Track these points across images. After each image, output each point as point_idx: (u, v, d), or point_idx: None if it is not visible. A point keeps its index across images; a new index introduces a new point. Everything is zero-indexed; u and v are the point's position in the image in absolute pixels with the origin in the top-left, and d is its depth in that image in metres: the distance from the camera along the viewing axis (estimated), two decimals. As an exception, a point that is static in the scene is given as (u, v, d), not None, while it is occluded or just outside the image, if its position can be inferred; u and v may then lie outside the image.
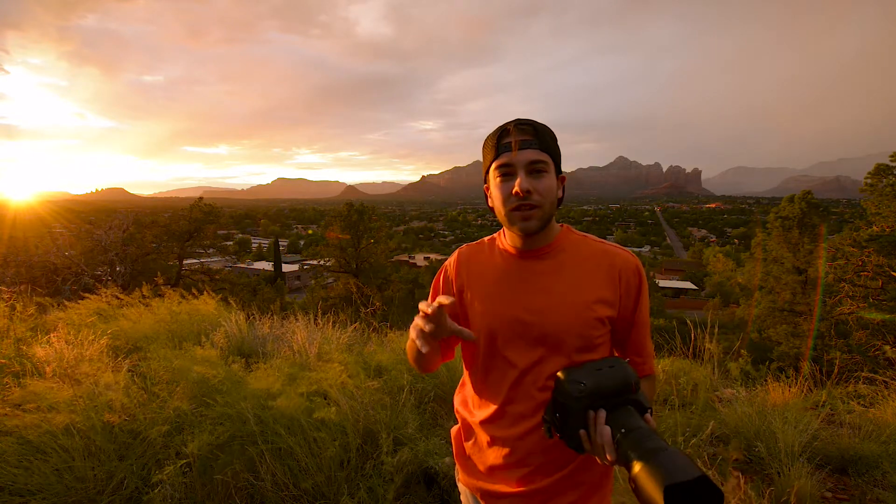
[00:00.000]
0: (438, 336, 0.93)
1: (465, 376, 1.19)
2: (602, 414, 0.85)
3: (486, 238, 1.18)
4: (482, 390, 1.11)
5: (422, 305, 0.91)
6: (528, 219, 0.98)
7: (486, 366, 1.09)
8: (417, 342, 0.92)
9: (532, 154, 0.97)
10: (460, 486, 1.20)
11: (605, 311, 1.02)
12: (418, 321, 0.92)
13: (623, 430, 0.81)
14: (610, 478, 1.10)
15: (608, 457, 0.82)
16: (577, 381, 0.86)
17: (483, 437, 1.10)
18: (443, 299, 0.88)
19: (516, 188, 0.96)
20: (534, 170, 0.97)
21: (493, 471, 1.09)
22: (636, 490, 0.74)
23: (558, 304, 1.01)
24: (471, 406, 1.16)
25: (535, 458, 1.03)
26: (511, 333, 1.04)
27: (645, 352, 1.09)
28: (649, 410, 0.87)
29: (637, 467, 0.75)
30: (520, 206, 0.98)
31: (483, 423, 1.10)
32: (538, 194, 0.97)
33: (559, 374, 0.90)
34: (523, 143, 0.97)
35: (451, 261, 1.18)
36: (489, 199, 1.07)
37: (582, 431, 0.86)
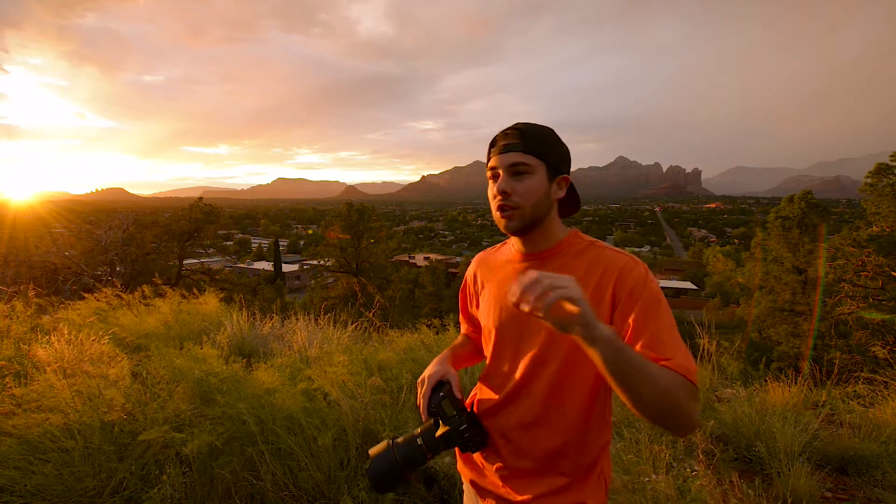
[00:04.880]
0: None
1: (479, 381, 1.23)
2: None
3: (499, 243, 1.25)
4: (486, 388, 1.15)
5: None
6: (509, 219, 1.03)
7: (491, 366, 1.14)
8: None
9: (514, 157, 1.01)
10: (462, 476, 1.24)
11: (599, 315, 0.98)
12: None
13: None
14: (604, 489, 1.08)
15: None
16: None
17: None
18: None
19: (495, 189, 1.03)
20: (515, 172, 1.02)
21: (484, 464, 1.13)
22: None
23: None
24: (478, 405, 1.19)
25: (525, 460, 1.05)
26: (511, 335, 1.09)
27: (664, 349, 0.91)
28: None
29: None
30: (501, 207, 1.03)
31: (482, 417, 1.13)
32: (517, 195, 1.01)
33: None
34: (506, 146, 1.02)
35: (469, 269, 1.28)
36: None
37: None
